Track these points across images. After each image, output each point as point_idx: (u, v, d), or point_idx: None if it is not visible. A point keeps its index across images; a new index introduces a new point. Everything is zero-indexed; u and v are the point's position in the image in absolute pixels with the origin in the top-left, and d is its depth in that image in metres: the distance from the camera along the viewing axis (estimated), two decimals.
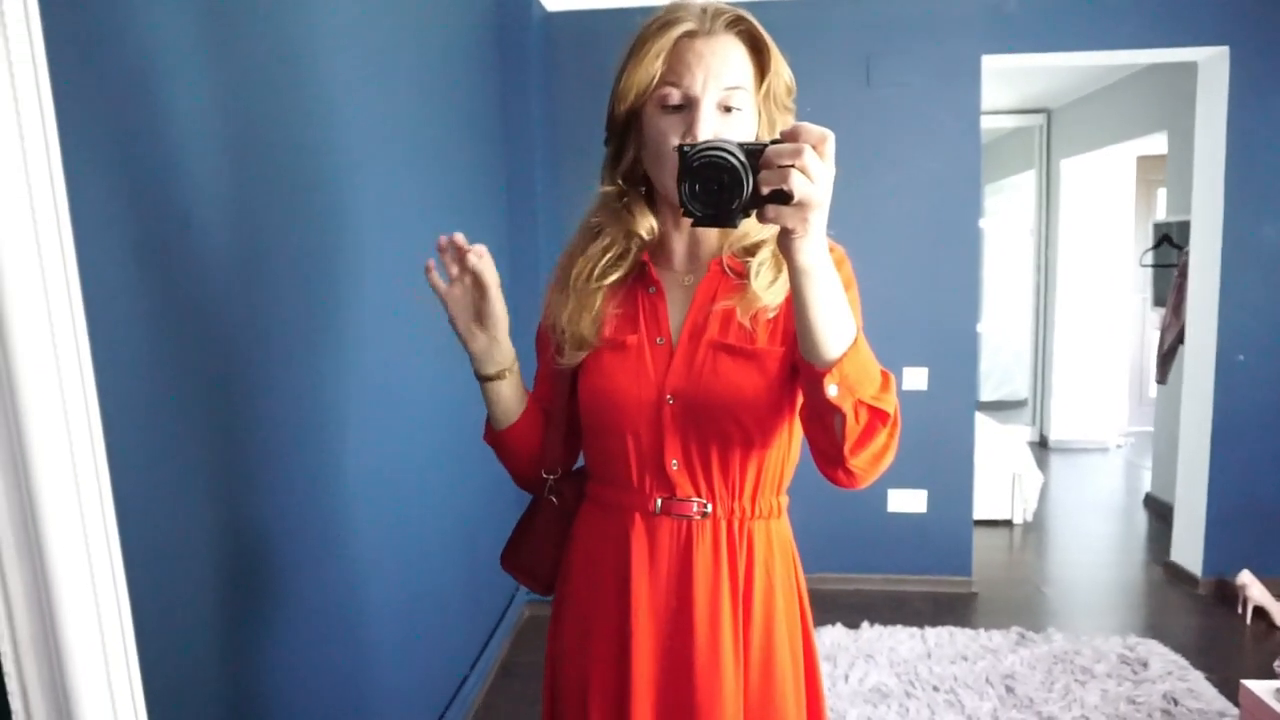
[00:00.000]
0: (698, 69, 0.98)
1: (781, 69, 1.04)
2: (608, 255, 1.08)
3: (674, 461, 1.06)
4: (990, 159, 7.01)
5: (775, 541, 1.10)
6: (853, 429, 0.88)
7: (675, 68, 0.99)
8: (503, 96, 3.17)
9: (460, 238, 1.06)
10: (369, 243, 1.99)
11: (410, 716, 2.25)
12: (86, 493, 0.72)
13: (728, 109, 0.99)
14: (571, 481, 1.22)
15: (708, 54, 0.98)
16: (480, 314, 1.09)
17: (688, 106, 0.98)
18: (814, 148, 0.78)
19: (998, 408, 6.82)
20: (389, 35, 2.16)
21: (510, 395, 1.15)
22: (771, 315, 1.04)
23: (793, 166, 0.77)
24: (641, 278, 1.10)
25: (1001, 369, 7.15)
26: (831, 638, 3.10)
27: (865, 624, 3.20)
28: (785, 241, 0.81)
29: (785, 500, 1.13)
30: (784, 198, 0.78)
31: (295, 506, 1.64)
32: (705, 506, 1.06)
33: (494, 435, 1.19)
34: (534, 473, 1.22)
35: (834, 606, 3.35)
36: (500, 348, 1.12)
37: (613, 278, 1.08)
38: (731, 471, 1.06)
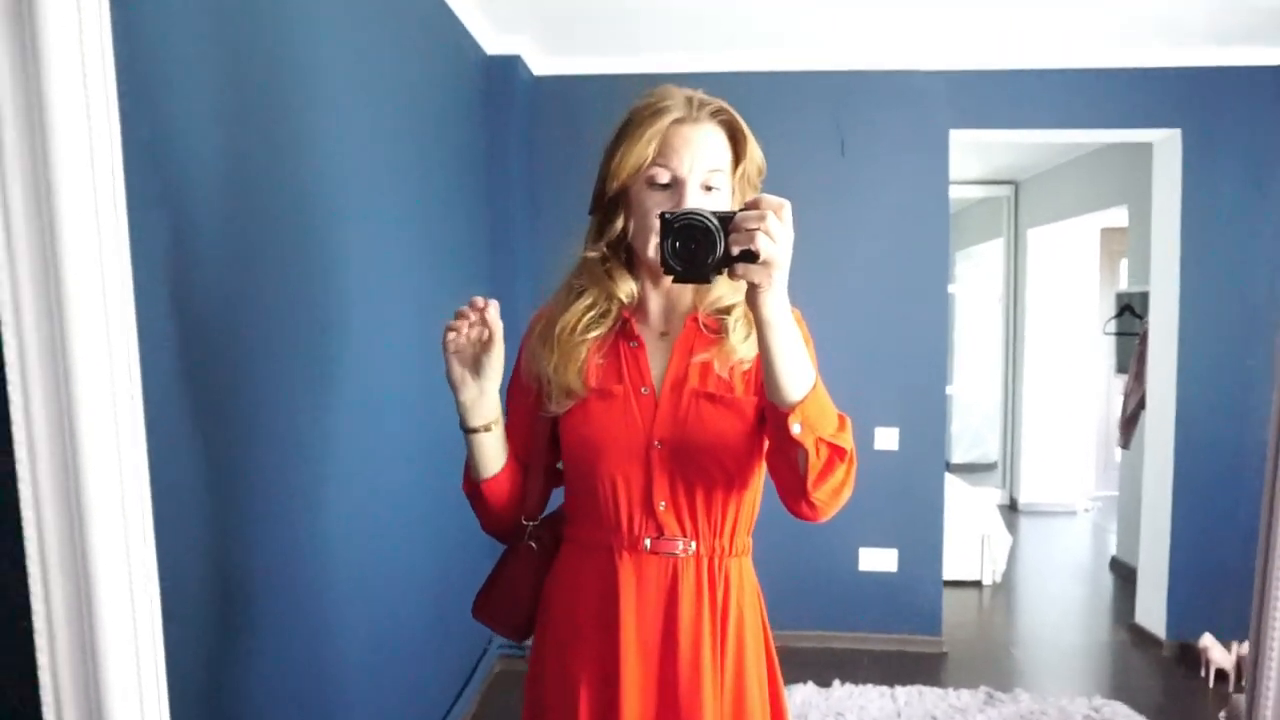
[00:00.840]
0: (685, 153, 1.10)
1: (754, 153, 1.16)
2: (590, 313, 1.17)
3: (662, 503, 1.14)
4: (960, 226, 7.24)
5: (745, 577, 1.20)
6: (814, 464, 1.00)
7: (665, 152, 1.10)
8: (489, 154, 3.27)
9: (473, 303, 1.14)
10: (356, 291, 2.04)
11: None
12: (131, 508, 0.76)
13: (709, 188, 1.11)
14: (548, 527, 1.28)
15: (694, 140, 1.10)
16: (478, 364, 1.15)
17: (675, 186, 1.10)
18: (775, 213, 0.92)
19: (969, 470, 6.91)
20: (385, 95, 2.25)
21: (494, 447, 1.21)
22: (746, 368, 1.15)
23: (758, 230, 0.91)
24: (624, 333, 1.19)
25: (972, 432, 7.27)
26: (803, 695, 3.10)
27: (836, 682, 3.21)
28: (753, 296, 0.94)
29: (751, 542, 1.22)
30: (751, 257, 0.92)
31: (276, 555, 1.66)
32: (690, 545, 1.15)
33: (474, 486, 1.24)
34: (511, 521, 1.27)
35: (805, 664, 3.36)
36: (488, 400, 1.18)
37: (595, 333, 1.17)
38: (714, 511, 1.15)
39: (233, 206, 1.50)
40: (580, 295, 1.18)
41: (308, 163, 1.80)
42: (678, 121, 1.10)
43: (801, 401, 0.99)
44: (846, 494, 1.07)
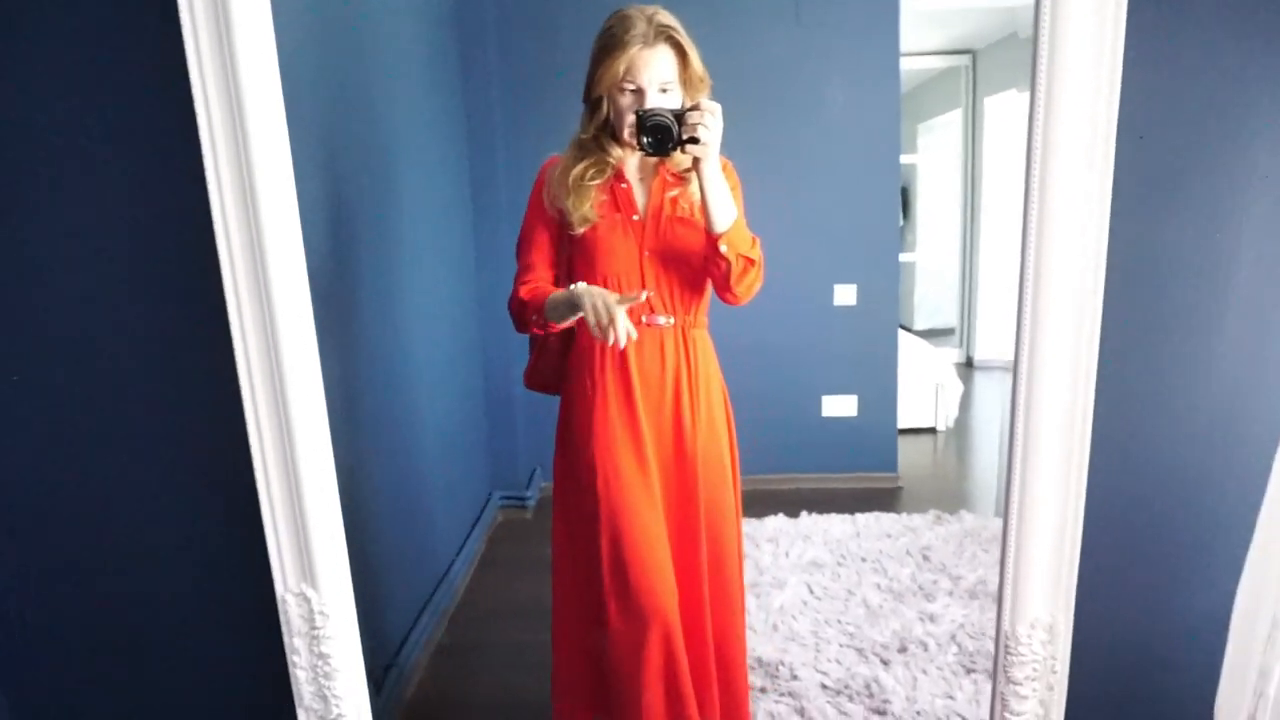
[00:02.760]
0: (645, 72, 1.58)
1: (695, 65, 1.62)
2: (591, 169, 1.69)
3: (651, 291, 1.70)
4: (921, 99, 7.35)
5: (706, 342, 1.79)
6: (735, 269, 1.63)
7: (631, 70, 1.58)
8: (460, 38, 3.38)
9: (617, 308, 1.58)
10: (356, 169, 2.25)
11: (406, 594, 2.57)
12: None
13: (664, 90, 1.60)
14: None
15: (652, 60, 1.58)
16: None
17: (639, 92, 1.59)
18: (710, 114, 1.50)
19: (931, 335, 7.25)
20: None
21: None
22: (701, 205, 1.65)
23: (699, 123, 1.50)
24: (616, 177, 1.72)
25: (934, 298, 7.60)
26: (774, 524, 3.50)
27: (803, 513, 3.61)
28: (696, 164, 1.56)
29: (707, 319, 1.79)
30: (695, 141, 1.52)
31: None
32: (670, 319, 1.73)
33: (551, 326, 1.69)
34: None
35: (775, 501, 3.74)
36: None
37: (596, 180, 1.69)
38: (685, 296, 1.74)
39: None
40: (581, 159, 1.69)
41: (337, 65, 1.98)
42: (639, 49, 1.56)
43: (728, 230, 1.59)
44: (757, 286, 1.69)
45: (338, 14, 2.18)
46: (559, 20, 3.37)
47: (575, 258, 1.73)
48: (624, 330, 1.52)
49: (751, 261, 1.63)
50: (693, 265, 1.69)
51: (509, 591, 3.03)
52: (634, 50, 1.57)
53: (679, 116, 1.51)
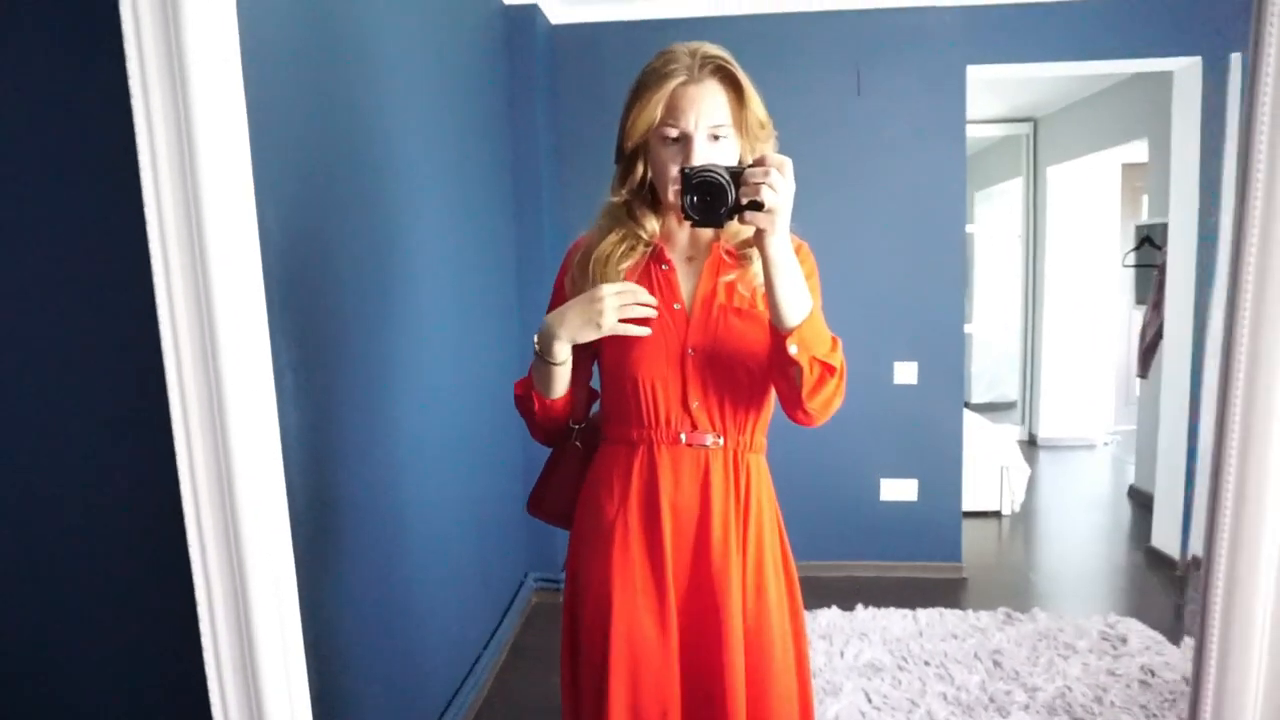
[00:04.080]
0: (690, 112, 1.24)
1: (755, 106, 1.28)
2: (622, 245, 1.34)
3: (695, 402, 1.32)
4: (980, 166, 7.21)
5: (763, 471, 1.39)
6: (808, 379, 1.21)
7: (672, 111, 1.24)
8: (510, 104, 3.33)
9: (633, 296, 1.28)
10: (401, 244, 2.14)
11: (433, 686, 2.39)
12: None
13: (715, 137, 1.25)
14: (588, 430, 1.47)
15: (698, 99, 1.24)
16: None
17: (683, 140, 1.25)
18: (778, 170, 1.12)
19: (989, 409, 6.98)
20: (414, 53, 2.32)
21: (568, 373, 1.36)
22: (764, 291, 1.27)
23: (763, 184, 1.12)
24: (655, 257, 1.36)
25: (992, 371, 7.33)
26: (827, 619, 3.24)
27: (859, 606, 3.35)
28: (759, 238, 1.16)
29: (766, 442, 1.40)
30: (758, 206, 1.13)
31: (352, 492, 1.79)
32: (719, 439, 1.33)
33: (545, 404, 1.38)
34: (564, 427, 1.46)
35: (829, 591, 3.50)
36: None
37: (626, 264, 1.34)
38: (739, 411, 1.34)
39: (307, 159, 1.59)
40: (609, 232, 1.35)
41: (354, 124, 1.89)
42: (682, 84, 1.23)
43: (799, 326, 1.19)
44: (837, 404, 1.27)
45: (371, 81, 2.10)
46: (607, 81, 3.30)
47: (601, 360, 1.39)
48: (618, 299, 1.24)
49: (831, 369, 1.22)
50: (750, 370, 1.31)
51: (543, 684, 2.82)
52: (675, 85, 1.23)
53: (736, 175, 1.15)
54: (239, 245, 0.86)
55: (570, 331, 1.27)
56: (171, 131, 0.81)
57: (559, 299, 1.41)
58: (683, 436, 1.32)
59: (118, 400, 1.32)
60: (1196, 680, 0.92)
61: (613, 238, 1.34)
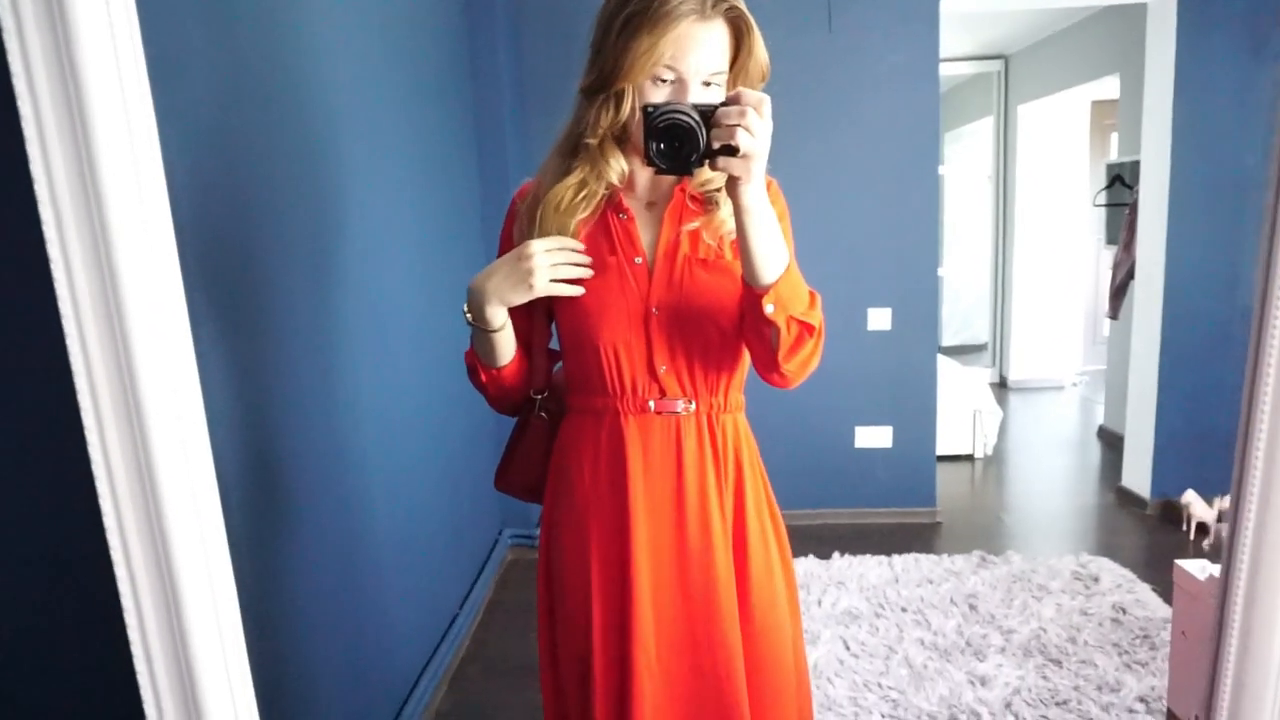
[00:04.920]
0: (694, 55, 1.08)
1: (759, 53, 1.14)
2: (581, 193, 1.18)
3: (663, 366, 1.19)
4: (949, 106, 7.11)
5: (742, 431, 1.27)
6: (785, 339, 1.09)
7: (678, 51, 1.08)
8: (470, 46, 3.18)
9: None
10: (353, 186, 2.03)
11: (408, 650, 2.35)
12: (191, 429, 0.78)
13: (707, 84, 1.11)
14: (553, 398, 1.34)
15: (704, 40, 1.08)
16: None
17: (678, 84, 1.10)
18: (754, 109, 0.97)
19: (959, 351, 7.01)
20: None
21: (509, 339, 1.23)
22: (733, 238, 1.15)
23: (738, 125, 0.96)
24: (612, 204, 1.20)
25: (962, 314, 7.34)
26: (804, 568, 3.24)
27: (836, 554, 3.35)
28: (732, 186, 1.01)
29: (744, 399, 1.28)
30: (731, 151, 0.97)
31: (304, 441, 1.71)
32: (690, 404, 1.21)
33: (492, 374, 1.26)
34: (521, 398, 1.33)
35: (805, 539, 3.49)
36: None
37: (582, 215, 1.18)
38: (710, 371, 1.21)
39: (238, 120, 1.48)
40: (569, 173, 1.19)
41: (303, 73, 1.76)
42: (695, 19, 1.07)
43: (775, 283, 1.06)
44: (814, 364, 1.16)
45: (327, 22, 1.97)
46: (576, 19, 3.14)
47: (557, 321, 1.26)
48: (548, 257, 1.13)
49: (809, 328, 1.10)
50: (721, 327, 1.18)
51: (520, 642, 2.80)
52: (685, 25, 1.06)
53: (706, 115, 0.99)
54: (146, 213, 0.74)
55: (499, 294, 1.15)
56: (57, 88, 0.69)
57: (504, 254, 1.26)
58: (651, 404, 1.20)
59: (16, 389, 1.21)
60: (1222, 618, 0.86)
61: (572, 179, 1.18)
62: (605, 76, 1.12)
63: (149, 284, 0.75)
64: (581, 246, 1.16)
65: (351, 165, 2.04)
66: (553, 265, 1.13)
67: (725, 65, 1.12)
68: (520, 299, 1.15)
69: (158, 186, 0.76)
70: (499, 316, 1.18)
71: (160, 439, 0.75)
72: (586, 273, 1.16)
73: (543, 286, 1.13)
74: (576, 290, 1.16)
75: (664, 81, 1.10)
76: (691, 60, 1.08)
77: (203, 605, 0.80)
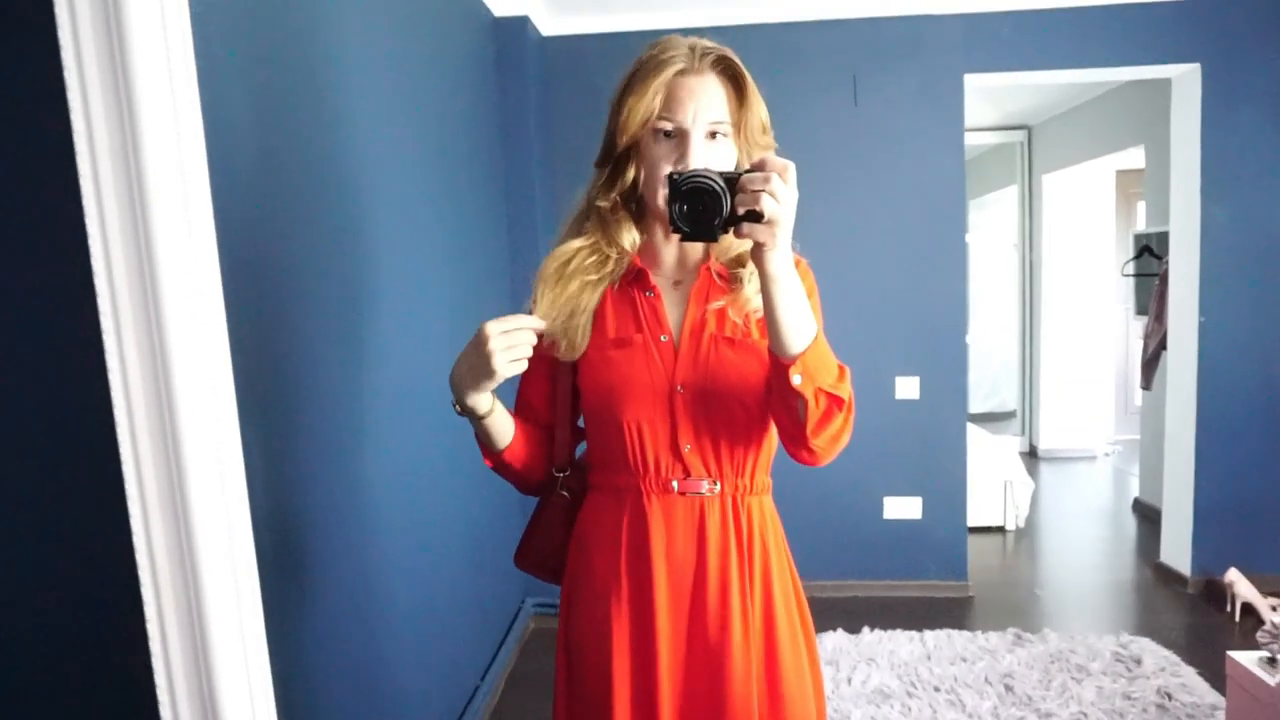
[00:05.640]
0: (689, 104, 1.11)
1: (757, 107, 1.16)
2: (592, 257, 1.20)
3: (687, 445, 1.18)
4: (973, 175, 7.16)
5: (768, 513, 1.24)
6: (813, 412, 1.06)
7: (669, 103, 1.12)
8: (503, 115, 3.26)
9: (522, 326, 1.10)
10: (385, 261, 2.06)
11: None
12: (230, 488, 0.78)
13: (714, 135, 1.13)
14: (576, 475, 1.32)
15: (698, 90, 1.12)
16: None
17: (679, 136, 1.12)
18: (779, 175, 0.96)
19: (987, 419, 6.92)
20: (400, 65, 2.24)
21: (503, 421, 1.22)
22: (759, 316, 1.16)
23: (763, 191, 0.95)
24: (639, 282, 1.21)
25: (990, 380, 7.26)
26: (833, 642, 3.16)
27: (865, 629, 3.26)
28: (757, 253, 0.99)
29: (770, 481, 1.26)
30: (756, 216, 0.97)
31: (328, 511, 1.70)
32: (715, 485, 1.19)
33: (496, 458, 1.26)
34: (541, 476, 1.31)
35: (833, 612, 3.41)
36: (489, 391, 1.17)
37: (591, 277, 1.19)
38: (737, 451, 1.19)
39: (272, 182, 1.51)
40: (579, 236, 1.21)
41: (333, 137, 1.81)
42: (681, 73, 1.12)
43: (803, 353, 1.04)
44: (845, 440, 1.13)
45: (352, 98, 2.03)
46: (599, 93, 3.21)
47: (581, 397, 1.24)
48: (504, 339, 1.08)
49: (839, 402, 1.07)
50: (747, 406, 1.17)
51: (541, 714, 2.72)
52: (674, 72, 1.11)
53: (731, 181, 0.99)
54: (194, 263, 0.75)
55: (469, 383, 1.12)
56: (119, 159, 0.71)
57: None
58: (675, 484, 1.18)
59: (57, 420, 1.22)
60: None
61: (578, 242, 1.19)
62: (611, 139, 1.17)
63: (195, 347, 0.76)
64: (539, 324, 1.11)
65: (384, 236, 2.08)
66: (508, 347, 1.08)
67: (726, 116, 1.13)
68: (488, 385, 1.13)
69: (211, 262, 0.77)
70: (481, 404, 1.17)
71: (202, 512, 0.75)
72: (532, 338, 1.11)
73: (504, 371, 1.09)
74: (519, 368, 1.11)
75: (666, 135, 1.12)
76: (687, 109, 1.11)
77: (238, 681, 0.78)
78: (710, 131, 1.12)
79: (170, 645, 0.77)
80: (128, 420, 0.74)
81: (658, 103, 1.11)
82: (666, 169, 1.11)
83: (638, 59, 1.16)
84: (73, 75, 0.71)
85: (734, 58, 1.14)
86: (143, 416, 0.74)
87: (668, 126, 1.11)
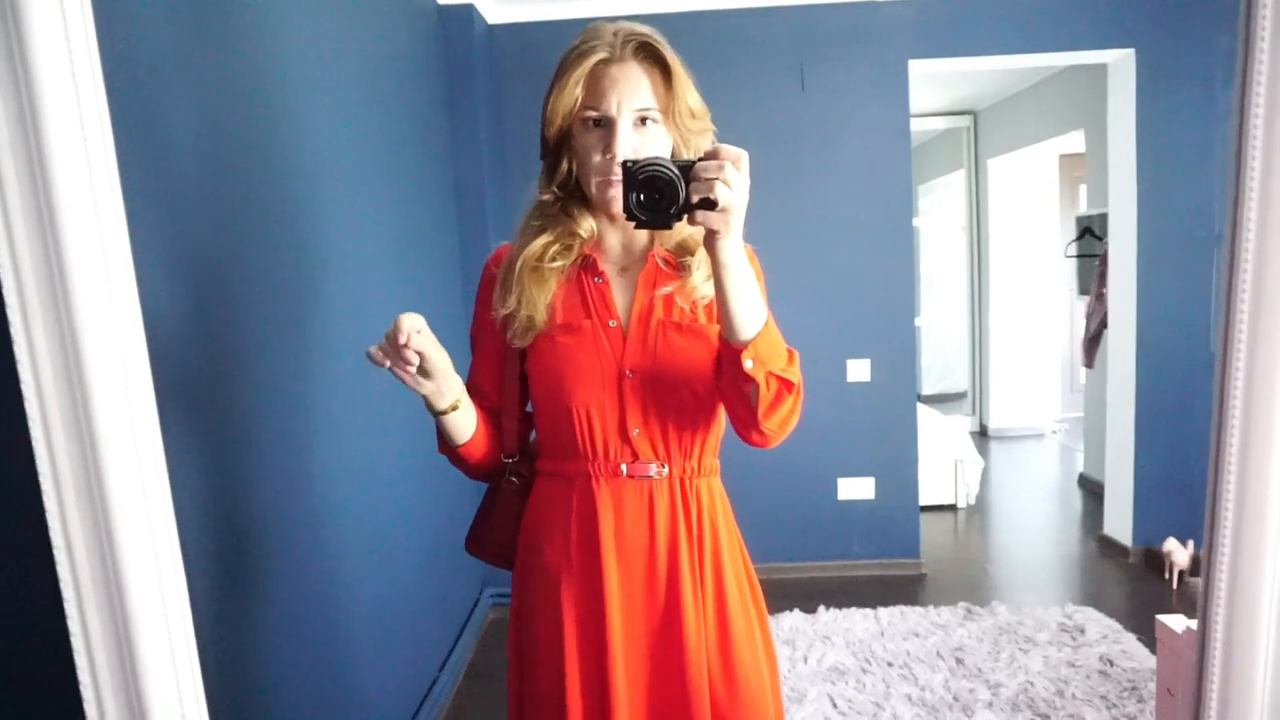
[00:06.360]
0: (612, 94, 1.12)
1: (685, 92, 1.16)
2: (555, 247, 1.20)
3: (636, 429, 1.19)
4: (921, 160, 7.28)
5: (717, 495, 1.26)
6: (765, 396, 1.09)
7: (593, 93, 1.13)
8: (450, 106, 3.23)
9: (392, 338, 1.08)
10: (333, 253, 2.04)
11: (387, 715, 2.28)
12: (151, 486, 0.77)
13: (643, 120, 1.14)
14: (526, 461, 1.32)
15: (620, 79, 1.12)
16: (423, 369, 1.13)
17: (606, 125, 1.13)
18: (733, 164, 0.98)
19: (940, 400, 7.06)
20: (344, 54, 2.21)
21: (465, 419, 1.22)
22: (706, 302, 1.19)
23: (717, 179, 0.97)
24: (586, 268, 1.22)
25: (942, 363, 7.41)
26: (790, 623, 3.21)
27: (821, 608, 3.32)
28: (710, 240, 1.01)
29: (718, 463, 1.28)
30: (710, 204, 0.98)
31: (277, 509, 1.68)
32: (663, 468, 1.21)
33: (451, 450, 1.26)
34: (492, 467, 1.32)
35: (790, 594, 3.46)
36: (447, 387, 1.16)
37: (559, 262, 1.20)
38: (684, 435, 1.21)
39: (210, 175, 1.49)
40: (540, 233, 1.21)
41: (281, 139, 1.78)
42: (604, 62, 1.13)
43: (754, 338, 1.06)
44: (794, 422, 1.15)
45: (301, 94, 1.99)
46: (549, 82, 3.20)
47: (530, 384, 1.25)
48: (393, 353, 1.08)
49: (789, 385, 1.10)
50: (696, 391, 1.18)
51: (501, 705, 2.73)
52: (594, 62, 1.12)
53: (686, 169, 1.00)
54: (113, 286, 0.73)
55: (413, 387, 1.14)
56: (21, 148, 0.69)
57: (483, 319, 1.27)
58: (623, 468, 1.19)
59: None
60: (1201, 677, 0.86)
61: (543, 239, 1.20)
62: (544, 132, 1.18)
63: (112, 356, 0.75)
64: (401, 338, 1.08)
65: (330, 228, 2.05)
66: (395, 363, 1.10)
67: (653, 102, 1.14)
68: (411, 387, 1.14)
69: (124, 257, 0.76)
70: (438, 401, 1.17)
71: (122, 511, 0.74)
72: (411, 358, 1.10)
73: (411, 384, 1.12)
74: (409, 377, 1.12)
75: (594, 124, 1.14)
76: (612, 98, 1.12)
77: (162, 658, 0.77)
78: (639, 118, 1.13)
79: (95, 652, 0.76)
80: (40, 417, 0.73)
81: (579, 93, 1.13)
82: (596, 157, 1.13)
83: (565, 50, 1.17)
84: None
85: (658, 42, 1.15)
86: (56, 418, 0.73)
87: (594, 115, 1.13)
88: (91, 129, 0.72)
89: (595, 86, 1.12)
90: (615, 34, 1.13)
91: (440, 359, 1.12)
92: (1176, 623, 1.54)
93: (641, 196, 1.01)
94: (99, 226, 0.73)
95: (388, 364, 1.10)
